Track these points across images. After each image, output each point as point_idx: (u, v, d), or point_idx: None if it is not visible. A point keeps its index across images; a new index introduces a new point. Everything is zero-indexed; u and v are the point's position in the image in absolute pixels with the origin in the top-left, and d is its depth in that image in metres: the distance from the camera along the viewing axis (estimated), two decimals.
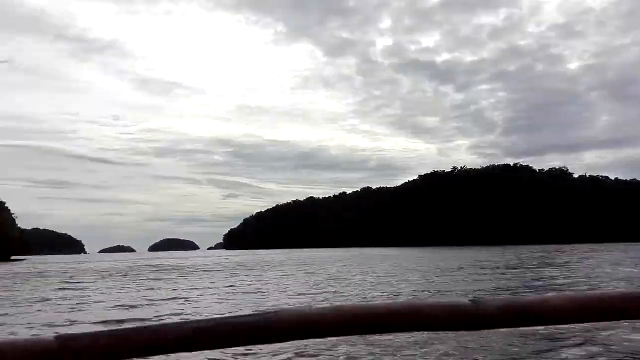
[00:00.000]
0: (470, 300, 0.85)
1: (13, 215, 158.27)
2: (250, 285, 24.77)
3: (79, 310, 16.67)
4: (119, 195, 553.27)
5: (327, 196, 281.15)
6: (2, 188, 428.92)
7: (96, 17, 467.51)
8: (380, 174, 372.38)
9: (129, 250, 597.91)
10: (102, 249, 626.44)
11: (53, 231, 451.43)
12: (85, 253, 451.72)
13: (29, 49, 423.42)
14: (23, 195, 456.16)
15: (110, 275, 38.69)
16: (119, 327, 0.73)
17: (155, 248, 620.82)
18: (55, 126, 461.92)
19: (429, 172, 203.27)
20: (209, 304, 16.99)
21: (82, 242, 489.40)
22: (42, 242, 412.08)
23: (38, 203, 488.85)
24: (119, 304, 17.68)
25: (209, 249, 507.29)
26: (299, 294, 18.96)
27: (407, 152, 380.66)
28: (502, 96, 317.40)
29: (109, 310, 16.23)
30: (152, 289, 23.81)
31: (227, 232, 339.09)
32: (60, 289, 26.27)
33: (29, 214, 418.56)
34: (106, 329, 0.76)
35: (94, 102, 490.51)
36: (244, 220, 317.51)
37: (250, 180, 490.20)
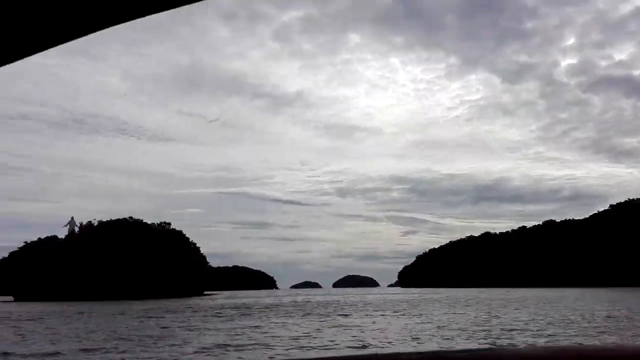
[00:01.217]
0: None
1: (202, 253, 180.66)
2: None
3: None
4: (306, 234, 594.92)
5: (504, 230, 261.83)
6: (215, 230, 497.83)
7: (284, 74, 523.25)
8: (575, 203, 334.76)
9: (316, 285, 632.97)
10: (292, 284, 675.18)
11: (250, 268, 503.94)
12: (277, 288, 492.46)
13: (233, 107, 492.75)
14: (231, 235, 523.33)
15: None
16: None
17: (338, 284, 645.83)
18: (255, 173, 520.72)
19: (622, 200, 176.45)
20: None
21: (274, 278, 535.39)
22: (242, 278, 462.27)
23: (242, 242, 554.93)
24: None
25: (388, 285, 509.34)
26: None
27: (605, 178, 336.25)
28: None
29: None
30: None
31: (401, 269, 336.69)
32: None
33: (235, 253, 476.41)
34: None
35: (285, 149, 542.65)
36: (417, 257, 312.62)
37: (428, 216, 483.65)
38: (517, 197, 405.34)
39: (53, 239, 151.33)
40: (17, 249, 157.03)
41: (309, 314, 43.67)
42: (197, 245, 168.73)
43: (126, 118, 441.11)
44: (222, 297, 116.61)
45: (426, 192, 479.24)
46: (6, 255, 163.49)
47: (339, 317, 37.89)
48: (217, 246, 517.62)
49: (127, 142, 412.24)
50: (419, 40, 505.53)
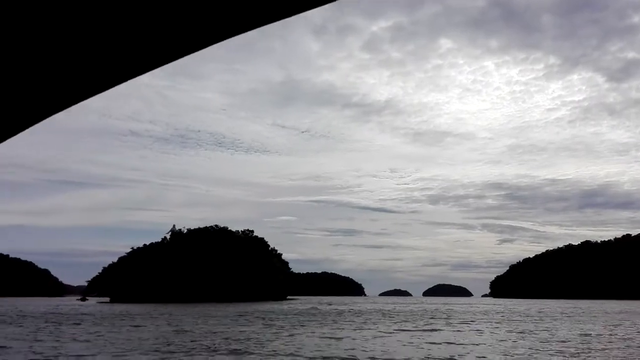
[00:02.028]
0: None
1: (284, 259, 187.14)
2: None
3: None
4: (396, 242, 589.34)
5: (605, 239, 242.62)
6: (307, 237, 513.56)
7: (373, 82, 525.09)
8: None
9: (406, 294, 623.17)
10: (381, 292, 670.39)
11: (338, 275, 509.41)
12: (365, 295, 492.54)
13: (325, 118, 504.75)
14: (322, 242, 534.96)
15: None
16: None
17: (428, 292, 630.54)
18: (345, 181, 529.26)
19: None
20: None
21: (362, 285, 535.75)
22: (330, 285, 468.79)
23: (332, 250, 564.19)
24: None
25: (482, 295, 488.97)
26: None
27: None
28: None
29: None
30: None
31: (493, 279, 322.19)
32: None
33: (325, 259, 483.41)
34: None
35: (374, 157, 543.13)
36: (510, 266, 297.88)
37: (527, 224, 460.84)
38: (627, 202, 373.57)
39: (157, 245, 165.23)
40: (124, 254, 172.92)
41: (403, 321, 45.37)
42: (279, 251, 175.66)
43: (225, 132, 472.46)
44: (301, 303, 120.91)
45: (525, 199, 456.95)
46: (116, 260, 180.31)
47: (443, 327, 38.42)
48: (309, 252, 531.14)
49: (226, 155, 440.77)
50: (514, 41, 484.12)
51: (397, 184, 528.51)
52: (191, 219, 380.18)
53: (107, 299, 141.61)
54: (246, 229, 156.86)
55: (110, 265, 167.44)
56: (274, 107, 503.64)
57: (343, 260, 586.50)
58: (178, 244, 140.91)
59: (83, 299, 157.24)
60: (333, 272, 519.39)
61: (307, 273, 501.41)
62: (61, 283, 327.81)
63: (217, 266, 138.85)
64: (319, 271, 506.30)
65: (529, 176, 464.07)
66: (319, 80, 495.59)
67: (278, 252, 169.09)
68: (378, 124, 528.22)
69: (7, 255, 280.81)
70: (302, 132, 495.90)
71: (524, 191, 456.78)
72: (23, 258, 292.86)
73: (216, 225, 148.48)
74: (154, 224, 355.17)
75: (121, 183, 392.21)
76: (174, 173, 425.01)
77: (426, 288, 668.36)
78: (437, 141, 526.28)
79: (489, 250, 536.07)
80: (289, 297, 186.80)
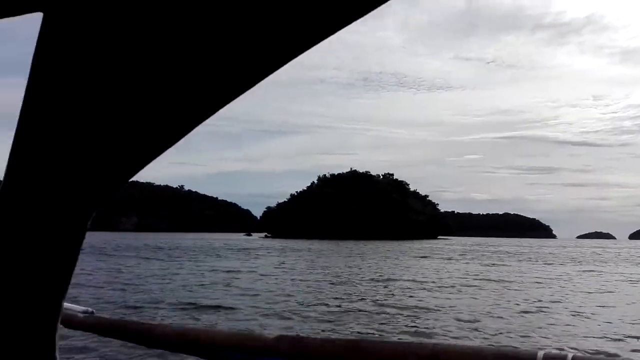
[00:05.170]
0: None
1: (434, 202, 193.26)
2: None
3: None
4: (602, 179, 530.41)
5: None
6: (494, 176, 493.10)
7: None
8: None
9: (608, 236, 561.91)
10: (578, 234, 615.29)
11: (523, 216, 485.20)
12: (554, 237, 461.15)
13: (512, 45, 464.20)
14: (511, 181, 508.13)
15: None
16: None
17: (636, 236, 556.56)
18: (538, 114, 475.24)
19: None
20: None
21: (550, 227, 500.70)
22: (511, 226, 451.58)
23: (524, 189, 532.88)
24: None
25: None
26: None
27: None
28: None
29: None
30: None
31: None
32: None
33: (515, 199, 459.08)
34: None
35: (572, 84, 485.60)
36: None
37: None
38: None
39: (308, 189, 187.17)
40: (285, 200, 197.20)
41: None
42: (422, 193, 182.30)
43: (405, 71, 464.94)
44: (448, 243, 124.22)
45: None
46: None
47: None
48: (498, 192, 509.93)
49: (407, 94, 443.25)
50: None
51: (603, 114, 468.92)
52: (375, 161, 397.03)
53: (264, 235, 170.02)
54: (386, 172, 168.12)
55: (272, 208, 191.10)
56: (456, 39, 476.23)
57: (539, 200, 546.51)
58: (324, 189, 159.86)
59: (248, 234, 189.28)
60: (517, 213, 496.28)
61: (487, 214, 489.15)
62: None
63: (358, 207, 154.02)
64: (509, 212, 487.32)
65: None
66: (503, 2, 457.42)
67: (424, 194, 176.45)
68: (577, 45, 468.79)
69: (216, 198, 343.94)
70: (487, 63, 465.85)
71: None
72: (229, 200, 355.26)
73: (356, 170, 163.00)
74: (341, 167, 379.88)
75: (310, 129, 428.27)
76: (358, 117, 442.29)
77: (634, 230, 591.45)
78: None
79: None
80: (440, 237, 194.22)
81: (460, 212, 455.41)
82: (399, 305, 17.70)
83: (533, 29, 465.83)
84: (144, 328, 1.31)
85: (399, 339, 11.86)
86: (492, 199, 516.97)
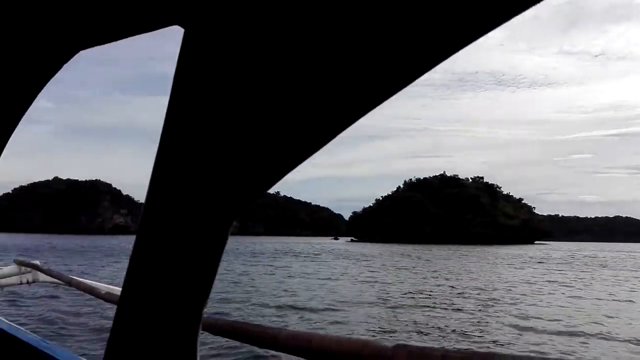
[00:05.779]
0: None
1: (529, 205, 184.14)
2: None
3: None
4: None
5: None
6: (609, 176, 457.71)
7: None
8: None
9: None
10: None
11: (633, 218, 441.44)
12: None
13: (621, 36, 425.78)
14: (629, 182, 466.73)
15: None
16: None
17: None
18: None
19: None
20: None
21: None
22: (621, 231, 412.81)
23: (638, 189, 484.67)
24: None
25: None
26: None
27: None
28: None
29: None
30: None
31: None
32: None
33: (635, 202, 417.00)
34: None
35: None
36: None
37: None
38: None
39: (393, 194, 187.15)
40: (370, 205, 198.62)
41: None
42: (520, 197, 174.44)
43: (504, 69, 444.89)
44: (547, 248, 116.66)
45: None
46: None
47: None
48: (610, 194, 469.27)
49: (506, 93, 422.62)
50: None
51: None
52: (473, 163, 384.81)
53: (350, 239, 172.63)
54: (476, 176, 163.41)
55: (358, 212, 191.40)
56: (559, 32, 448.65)
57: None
58: (409, 193, 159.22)
59: (335, 238, 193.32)
60: (631, 216, 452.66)
61: (595, 217, 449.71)
62: None
63: (444, 211, 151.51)
64: (620, 215, 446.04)
65: None
66: None
67: (518, 197, 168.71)
68: None
69: (309, 203, 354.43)
70: (595, 56, 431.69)
71: None
72: (322, 205, 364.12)
73: (445, 173, 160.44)
74: (435, 170, 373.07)
75: (405, 133, 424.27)
76: (453, 119, 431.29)
77: None
78: None
79: None
80: (537, 242, 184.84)
81: (565, 215, 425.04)
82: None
83: None
84: (259, 331, 1.18)
85: None
86: (603, 201, 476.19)
